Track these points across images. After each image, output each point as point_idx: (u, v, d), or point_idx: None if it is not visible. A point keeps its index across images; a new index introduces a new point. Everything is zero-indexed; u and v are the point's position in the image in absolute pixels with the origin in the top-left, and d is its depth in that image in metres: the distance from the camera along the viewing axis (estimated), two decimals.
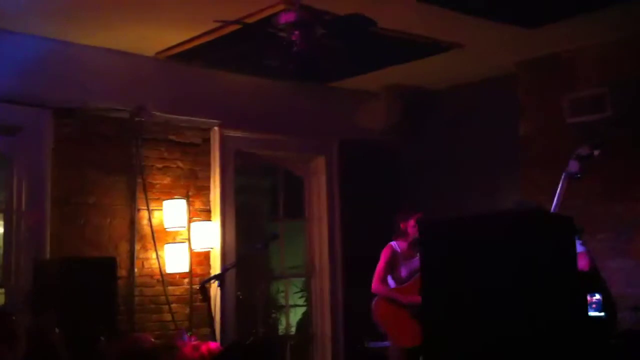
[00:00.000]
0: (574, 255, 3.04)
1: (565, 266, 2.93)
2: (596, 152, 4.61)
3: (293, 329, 8.31)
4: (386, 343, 6.17)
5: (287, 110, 7.23)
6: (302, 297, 8.40)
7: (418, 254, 5.73)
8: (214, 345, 4.54)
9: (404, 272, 5.90)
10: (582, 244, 4.74)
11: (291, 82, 6.81)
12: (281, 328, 8.30)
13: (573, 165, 4.61)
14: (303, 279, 7.95)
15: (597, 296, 4.14)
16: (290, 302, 8.54)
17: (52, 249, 5.83)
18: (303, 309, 8.36)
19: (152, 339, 4.04)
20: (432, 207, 7.07)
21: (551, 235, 2.92)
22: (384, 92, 7.60)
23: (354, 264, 7.35)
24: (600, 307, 4.04)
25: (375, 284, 5.87)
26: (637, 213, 5.93)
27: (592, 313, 3.88)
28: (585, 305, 3.39)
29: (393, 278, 5.95)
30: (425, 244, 3.21)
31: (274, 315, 8.60)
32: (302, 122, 7.34)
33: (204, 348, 4.27)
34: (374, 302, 5.93)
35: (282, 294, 8.26)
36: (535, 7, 5.54)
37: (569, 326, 2.94)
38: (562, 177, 4.65)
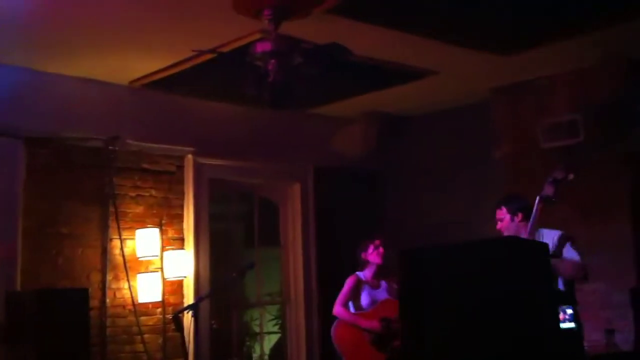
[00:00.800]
0: (548, 277, 3.11)
1: (539, 288, 2.98)
2: (571, 176, 4.65)
3: (266, 357, 8.26)
4: None
5: (262, 137, 7.22)
6: (276, 324, 8.36)
7: (382, 285, 5.87)
8: None
9: (365, 300, 5.87)
10: (574, 249, 4.79)
11: (266, 109, 6.79)
12: (255, 356, 8.24)
13: (548, 189, 4.65)
14: (278, 306, 7.90)
15: (570, 310, 4.17)
16: (265, 330, 8.50)
17: (24, 280, 5.73)
18: (277, 337, 8.31)
19: None
20: (407, 233, 7.13)
21: (526, 261, 2.96)
22: (360, 119, 7.62)
23: (330, 291, 7.29)
24: (572, 319, 4.09)
25: (337, 308, 5.84)
26: (610, 236, 5.99)
27: (565, 325, 3.93)
28: (557, 321, 3.45)
29: (354, 306, 5.93)
30: (405, 271, 3.21)
31: (248, 343, 8.54)
32: (277, 148, 7.33)
33: None
34: (334, 326, 5.90)
35: (257, 322, 8.20)
36: (508, 35, 5.60)
37: (545, 340, 2.98)
38: (537, 200, 4.69)
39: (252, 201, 7.60)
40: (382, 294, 5.83)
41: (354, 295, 5.89)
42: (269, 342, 8.68)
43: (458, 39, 5.64)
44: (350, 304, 5.91)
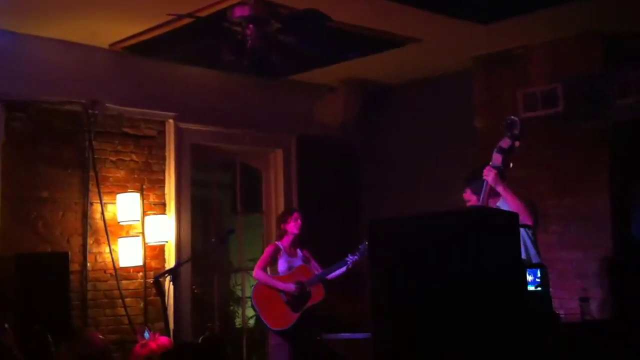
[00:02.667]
0: (516, 244, 3.13)
1: (507, 257, 3.00)
2: (517, 144, 4.65)
3: (251, 322, 8.30)
4: (341, 335, 6.25)
5: (244, 104, 7.20)
6: None
7: (299, 253, 6.19)
8: (164, 339, 4.51)
9: (282, 267, 6.20)
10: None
11: (249, 75, 6.76)
12: (238, 321, 8.28)
13: (496, 159, 4.64)
14: None
15: (537, 274, 4.21)
16: (248, 295, 8.53)
17: (3, 244, 5.73)
18: None
19: (102, 337, 4.00)
20: (389, 201, 7.15)
21: (494, 229, 2.98)
22: (342, 87, 7.60)
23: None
24: (539, 282, 4.13)
25: (256, 271, 6.18)
26: (587, 206, 6.03)
27: (531, 287, 3.98)
28: (525, 285, 3.50)
29: (271, 271, 6.30)
30: (373, 241, 3.22)
31: (231, 308, 8.57)
32: (259, 115, 7.31)
33: (153, 344, 4.24)
34: (254, 288, 6.22)
35: (240, 287, 8.23)
36: (490, 3, 5.57)
37: (513, 303, 3.02)
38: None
39: (245, 169, 7.59)
40: (297, 262, 6.20)
41: (272, 261, 6.27)
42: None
43: (439, 6, 5.61)
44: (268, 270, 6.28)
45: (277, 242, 6.30)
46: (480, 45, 6.55)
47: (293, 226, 6.22)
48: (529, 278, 3.68)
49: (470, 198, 4.84)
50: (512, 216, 3.25)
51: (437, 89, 7.26)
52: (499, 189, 4.67)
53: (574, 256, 5.97)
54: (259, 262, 6.24)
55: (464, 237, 2.88)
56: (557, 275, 5.70)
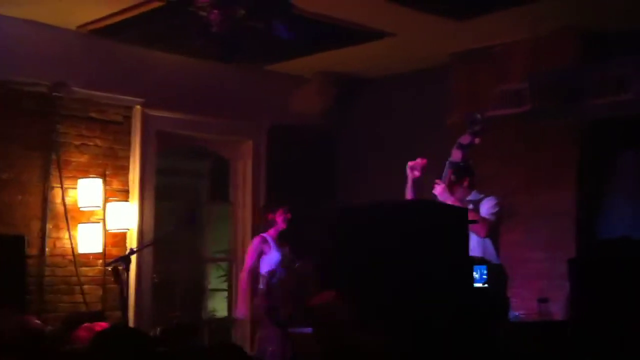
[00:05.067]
0: (462, 239, 3.10)
1: (452, 251, 2.97)
2: (477, 140, 4.66)
3: (217, 314, 8.24)
4: (307, 329, 6.18)
5: (214, 92, 7.09)
6: (226, 281, 8.32)
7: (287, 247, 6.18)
8: (105, 325, 4.46)
9: (274, 259, 6.18)
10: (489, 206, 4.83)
11: (220, 63, 6.67)
12: (203, 312, 8.21)
13: (456, 155, 4.68)
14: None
15: (483, 271, 4.20)
16: (216, 287, 8.47)
17: None
18: (226, 294, 8.28)
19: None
20: (359, 193, 7.08)
21: (441, 223, 2.95)
22: (317, 78, 7.51)
23: None
24: (484, 280, 4.11)
25: (244, 275, 6.27)
26: (554, 205, 6.00)
27: (477, 284, 3.96)
28: (470, 280, 3.49)
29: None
30: (336, 226, 3.20)
31: (199, 298, 8.50)
32: (230, 104, 7.20)
33: (97, 328, 4.17)
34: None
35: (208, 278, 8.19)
36: (466, 0, 5.52)
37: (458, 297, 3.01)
38: (446, 166, 4.71)
39: (219, 160, 7.51)
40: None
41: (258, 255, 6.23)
42: (222, 300, 8.66)
43: (415, 1, 5.56)
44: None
45: (262, 234, 6.22)
46: (456, 42, 6.52)
47: (282, 220, 6.19)
48: (475, 275, 3.65)
49: (437, 188, 4.84)
50: (460, 212, 3.21)
51: (413, 83, 7.20)
52: (449, 202, 4.68)
53: (539, 256, 5.94)
54: (247, 262, 6.21)
55: (411, 226, 2.85)
56: (521, 275, 5.67)
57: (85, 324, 4.14)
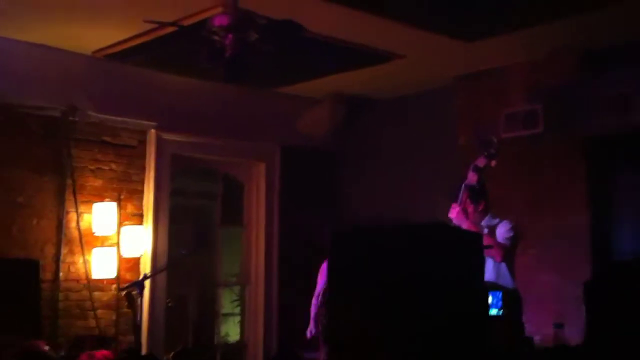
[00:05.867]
0: (479, 266, 3.06)
1: (467, 278, 2.93)
2: (493, 163, 4.65)
3: (229, 338, 8.19)
4: (319, 354, 6.13)
5: (227, 114, 7.13)
6: (238, 305, 8.28)
7: None
8: (107, 353, 4.47)
9: None
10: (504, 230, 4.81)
11: (233, 85, 6.71)
12: (215, 336, 8.17)
13: (471, 177, 4.66)
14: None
15: (494, 297, 4.17)
16: (228, 311, 8.43)
17: None
18: (239, 318, 8.24)
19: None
20: (371, 215, 7.07)
21: (453, 248, 2.91)
22: (327, 99, 7.52)
23: (291, 274, 7.28)
24: (499, 306, 4.08)
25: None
26: (566, 227, 5.96)
27: (492, 311, 3.92)
28: (486, 309, 3.45)
29: None
30: (335, 250, 3.14)
31: (210, 323, 8.46)
32: (243, 126, 7.23)
33: (99, 354, 4.17)
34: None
35: (225, 302, 8.16)
36: (473, 22, 5.55)
37: (469, 325, 2.94)
38: (462, 188, 4.70)
39: (230, 181, 7.51)
40: None
41: None
42: (234, 324, 8.62)
43: (424, 23, 5.58)
44: None
45: None
46: (464, 63, 6.52)
47: None
48: (490, 300, 3.62)
49: (452, 211, 4.83)
50: (475, 237, 3.17)
51: (421, 104, 7.21)
52: (465, 227, 4.67)
53: (552, 279, 5.88)
54: (317, 286, 5.88)
55: (422, 251, 2.81)
56: (534, 299, 5.60)
57: (87, 352, 4.13)
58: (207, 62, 4.80)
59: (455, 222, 4.87)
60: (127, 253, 6.31)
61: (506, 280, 4.76)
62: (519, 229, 5.07)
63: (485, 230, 4.87)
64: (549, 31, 5.67)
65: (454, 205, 4.89)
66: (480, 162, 4.69)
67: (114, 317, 6.31)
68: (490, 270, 4.79)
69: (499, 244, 4.81)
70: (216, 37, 4.74)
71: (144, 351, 6.01)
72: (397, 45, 6.11)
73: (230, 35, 4.65)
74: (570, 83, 5.96)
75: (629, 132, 5.82)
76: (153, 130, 6.65)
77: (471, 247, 3.00)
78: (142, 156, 6.63)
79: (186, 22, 5.26)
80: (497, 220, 5.00)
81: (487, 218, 5.02)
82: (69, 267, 6.13)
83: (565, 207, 5.99)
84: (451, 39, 5.86)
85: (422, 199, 6.71)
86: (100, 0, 5.20)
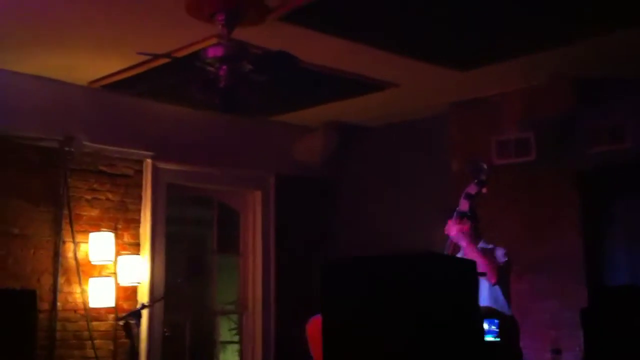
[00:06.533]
0: (472, 294, 3.07)
1: (462, 307, 2.93)
2: (484, 190, 4.67)
3: None
4: None
5: (222, 143, 7.18)
6: (236, 333, 8.26)
7: None
8: None
9: None
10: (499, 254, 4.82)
11: (227, 115, 6.75)
12: None
13: (463, 205, 4.69)
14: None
15: (493, 325, 4.19)
16: (227, 339, 8.41)
17: None
18: (238, 347, 8.22)
19: None
20: (367, 243, 7.09)
21: (449, 276, 2.93)
22: (321, 128, 7.58)
23: (288, 301, 7.28)
24: (496, 333, 4.10)
25: None
26: (561, 254, 5.99)
27: (488, 338, 3.94)
28: (481, 337, 3.45)
29: None
30: (326, 283, 3.15)
31: (207, 352, 8.44)
32: (238, 155, 7.28)
33: None
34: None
35: (222, 330, 8.14)
36: (466, 51, 5.61)
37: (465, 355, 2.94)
38: (454, 215, 4.72)
39: (225, 208, 7.53)
40: None
41: None
42: (232, 353, 8.60)
43: (417, 53, 5.64)
44: None
45: None
46: (457, 91, 6.59)
47: None
48: (486, 327, 3.63)
49: (451, 229, 4.84)
50: (469, 265, 3.19)
51: (414, 131, 7.28)
52: (462, 244, 4.69)
53: (548, 305, 5.90)
54: None
55: (416, 281, 2.82)
56: (531, 325, 5.63)
57: None
58: (201, 92, 4.84)
59: (453, 239, 4.86)
60: (125, 282, 6.31)
61: (502, 306, 4.77)
62: (513, 254, 5.08)
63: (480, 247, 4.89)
64: (543, 60, 5.73)
65: (450, 222, 4.88)
66: (472, 189, 4.72)
67: (111, 347, 6.30)
68: (486, 295, 4.79)
69: (492, 263, 4.81)
70: (210, 68, 4.79)
71: None
72: (390, 75, 6.16)
73: (224, 66, 4.70)
74: (564, 112, 6.01)
75: (623, 161, 5.86)
76: (149, 160, 6.69)
77: (465, 275, 3.02)
78: (139, 185, 6.66)
79: (180, 53, 5.32)
80: (491, 246, 5.02)
81: (481, 243, 5.03)
82: (66, 297, 6.13)
83: (559, 234, 6.03)
84: (445, 68, 5.91)
85: (416, 225, 6.74)
86: (96, 32, 5.23)
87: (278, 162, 7.51)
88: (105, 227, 6.35)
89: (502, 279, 4.86)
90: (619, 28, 5.16)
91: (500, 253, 4.96)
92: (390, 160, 7.45)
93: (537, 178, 6.17)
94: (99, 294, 6.20)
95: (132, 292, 6.47)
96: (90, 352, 6.18)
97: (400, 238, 6.59)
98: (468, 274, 3.06)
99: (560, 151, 6.05)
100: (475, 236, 4.98)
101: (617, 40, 5.34)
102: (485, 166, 4.56)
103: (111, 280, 6.27)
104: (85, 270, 6.21)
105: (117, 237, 6.37)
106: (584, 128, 5.99)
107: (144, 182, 6.67)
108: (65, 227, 6.15)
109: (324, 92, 6.54)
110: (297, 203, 7.59)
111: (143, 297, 6.48)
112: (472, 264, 3.12)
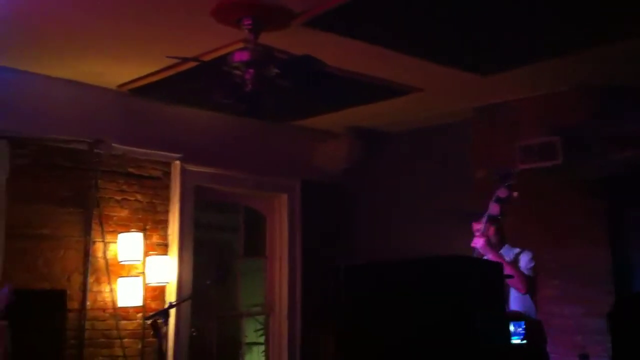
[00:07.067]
0: (499, 295, 3.08)
1: (487, 306, 2.95)
2: (515, 194, 4.69)
3: None
4: None
5: (249, 147, 7.24)
6: (262, 335, 8.33)
7: None
8: None
9: None
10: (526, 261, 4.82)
11: (253, 119, 6.82)
12: None
13: (493, 208, 4.71)
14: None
15: (520, 327, 4.20)
16: (252, 340, 8.47)
17: (3, 280, 5.69)
18: (263, 347, 8.28)
19: None
20: (389, 248, 7.10)
21: (477, 278, 2.94)
22: (346, 133, 7.62)
23: (314, 305, 7.32)
24: (522, 335, 4.11)
25: None
26: (587, 260, 5.95)
27: (515, 341, 3.95)
28: (508, 337, 3.46)
29: None
30: (348, 286, 3.19)
31: (233, 352, 8.51)
32: (264, 159, 7.34)
33: None
34: None
35: (249, 332, 8.21)
36: (490, 56, 5.61)
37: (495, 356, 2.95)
38: (484, 219, 4.72)
39: (251, 213, 7.59)
40: None
41: None
42: (257, 354, 8.66)
43: (440, 58, 5.65)
44: None
45: None
46: (480, 97, 6.59)
47: None
48: (513, 330, 3.64)
49: (477, 241, 4.87)
50: (495, 266, 3.20)
51: (437, 137, 7.29)
52: (489, 256, 4.70)
53: (574, 311, 5.87)
54: None
55: (442, 284, 2.85)
56: (557, 330, 5.61)
57: None
58: (227, 96, 4.89)
59: (481, 252, 4.88)
60: (153, 282, 6.39)
61: (530, 311, 4.77)
62: (539, 260, 5.07)
63: (507, 259, 4.88)
64: (565, 67, 5.72)
65: (477, 235, 4.91)
66: (502, 192, 4.73)
67: (139, 346, 6.38)
68: (516, 301, 4.80)
69: (522, 274, 4.81)
70: (237, 72, 4.85)
71: None
72: (414, 79, 6.18)
73: (250, 70, 4.76)
74: (587, 119, 5.98)
75: None
76: (177, 162, 6.77)
77: (492, 276, 3.03)
78: (167, 187, 6.75)
79: (207, 57, 5.37)
80: (517, 250, 5.01)
81: (506, 247, 5.03)
82: (95, 297, 6.22)
83: (585, 240, 6.00)
84: (468, 73, 5.92)
85: (440, 230, 6.73)
86: (125, 36, 5.31)
87: (304, 167, 7.57)
88: (134, 228, 6.45)
89: (531, 288, 4.86)
90: None
91: (526, 258, 4.95)
92: (411, 166, 7.46)
93: (562, 184, 6.14)
94: (128, 294, 6.28)
95: (160, 291, 6.55)
96: (118, 351, 6.27)
97: (420, 244, 6.58)
98: (494, 275, 3.07)
99: (584, 158, 6.01)
100: (499, 240, 4.99)
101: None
102: (513, 170, 4.58)
103: (139, 280, 6.35)
104: (114, 270, 6.30)
105: (145, 237, 6.46)
106: (607, 135, 5.95)
107: (172, 184, 6.76)
108: (95, 228, 6.25)
109: (348, 96, 6.57)
110: (322, 208, 7.64)
111: (171, 296, 6.55)
112: (499, 265, 3.13)
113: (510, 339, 3.71)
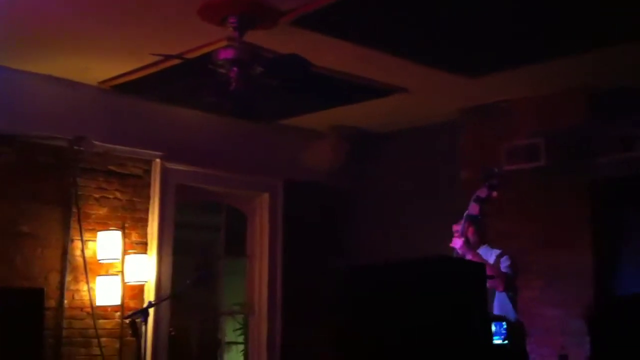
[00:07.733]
0: (481, 295, 3.10)
1: (472, 307, 2.97)
2: (494, 194, 4.70)
3: None
4: None
5: (232, 146, 7.19)
6: (241, 334, 8.30)
7: None
8: None
9: None
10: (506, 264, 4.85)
11: (237, 118, 6.78)
12: None
13: (473, 208, 4.73)
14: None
15: (501, 327, 4.22)
16: (232, 339, 8.43)
17: None
18: (242, 347, 8.25)
19: None
20: (373, 249, 7.10)
21: (457, 279, 2.96)
22: (330, 133, 7.60)
23: (294, 304, 7.29)
24: (504, 335, 4.13)
25: None
26: (570, 263, 5.99)
27: (497, 341, 3.97)
28: (490, 337, 3.49)
29: None
30: (348, 287, 3.19)
31: (212, 352, 8.47)
32: (247, 158, 7.29)
33: None
34: None
35: (228, 331, 8.17)
36: (476, 58, 5.62)
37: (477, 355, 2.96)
38: (463, 219, 4.74)
39: (233, 213, 7.54)
40: None
41: None
42: (237, 353, 8.63)
43: (426, 59, 5.65)
44: None
45: None
46: (467, 98, 6.60)
47: None
48: (494, 329, 3.66)
49: (456, 241, 4.89)
50: (478, 267, 3.22)
51: (424, 138, 7.29)
52: (469, 257, 4.72)
53: (557, 313, 5.90)
54: None
55: (426, 285, 2.86)
56: (539, 331, 5.64)
57: None
58: (212, 94, 4.87)
59: (460, 252, 4.90)
60: (131, 281, 6.33)
61: (509, 312, 4.79)
62: (522, 261, 5.10)
63: (485, 258, 4.90)
64: (553, 70, 5.75)
65: (456, 235, 4.92)
66: (482, 192, 4.75)
67: (117, 345, 6.32)
68: (494, 301, 4.82)
69: (500, 273, 4.84)
70: (221, 70, 4.82)
71: None
72: (400, 80, 6.19)
73: (235, 69, 4.73)
74: (575, 122, 6.02)
75: (634, 173, 5.86)
76: (158, 160, 6.70)
77: (475, 277, 3.04)
78: (147, 185, 6.68)
79: (192, 55, 5.34)
80: (497, 251, 5.03)
81: (484, 248, 5.05)
82: (73, 295, 6.15)
83: (569, 242, 6.04)
84: (454, 74, 5.93)
85: (425, 232, 6.74)
86: (107, 32, 5.25)
87: (287, 167, 7.51)
88: (113, 226, 6.37)
89: (510, 286, 4.89)
90: (631, 39, 5.16)
91: (504, 265, 4.98)
92: (398, 166, 7.46)
93: (548, 186, 6.17)
94: (106, 292, 6.22)
95: (138, 290, 6.48)
96: (96, 350, 6.21)
97: (408, 244, 6.59)
98: (478, 276, 3.08)
99: (571, 160, 6.05)
100: (479, 240, 5.01)
101: (628, 51, 5.35)
102: (496, 170, 4.58)
103: (118, 278, 6.29)
104: (92, 268, 6.23)
105: (124, 236, 6.39)
106: (595, 137, 5.99)
107: (152, 182, 6.69)
108: (74, 226, 6.17)
109: (334, 96, 6.55)
110: (305, 208, 7.60)
111: (150, 296, 6.49)
112: (481, 266, 3.15)
113: (492, 339, 3.72)
